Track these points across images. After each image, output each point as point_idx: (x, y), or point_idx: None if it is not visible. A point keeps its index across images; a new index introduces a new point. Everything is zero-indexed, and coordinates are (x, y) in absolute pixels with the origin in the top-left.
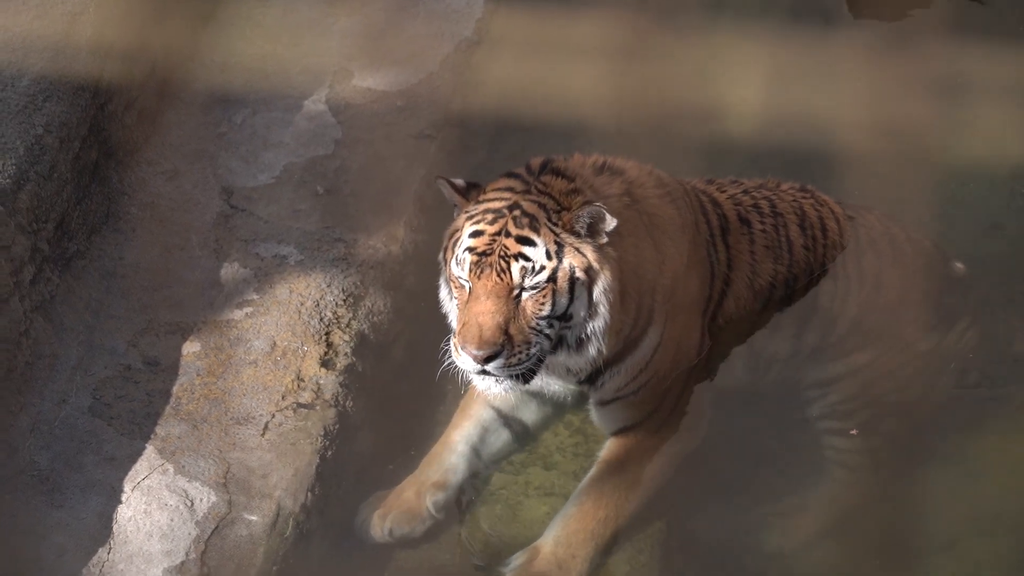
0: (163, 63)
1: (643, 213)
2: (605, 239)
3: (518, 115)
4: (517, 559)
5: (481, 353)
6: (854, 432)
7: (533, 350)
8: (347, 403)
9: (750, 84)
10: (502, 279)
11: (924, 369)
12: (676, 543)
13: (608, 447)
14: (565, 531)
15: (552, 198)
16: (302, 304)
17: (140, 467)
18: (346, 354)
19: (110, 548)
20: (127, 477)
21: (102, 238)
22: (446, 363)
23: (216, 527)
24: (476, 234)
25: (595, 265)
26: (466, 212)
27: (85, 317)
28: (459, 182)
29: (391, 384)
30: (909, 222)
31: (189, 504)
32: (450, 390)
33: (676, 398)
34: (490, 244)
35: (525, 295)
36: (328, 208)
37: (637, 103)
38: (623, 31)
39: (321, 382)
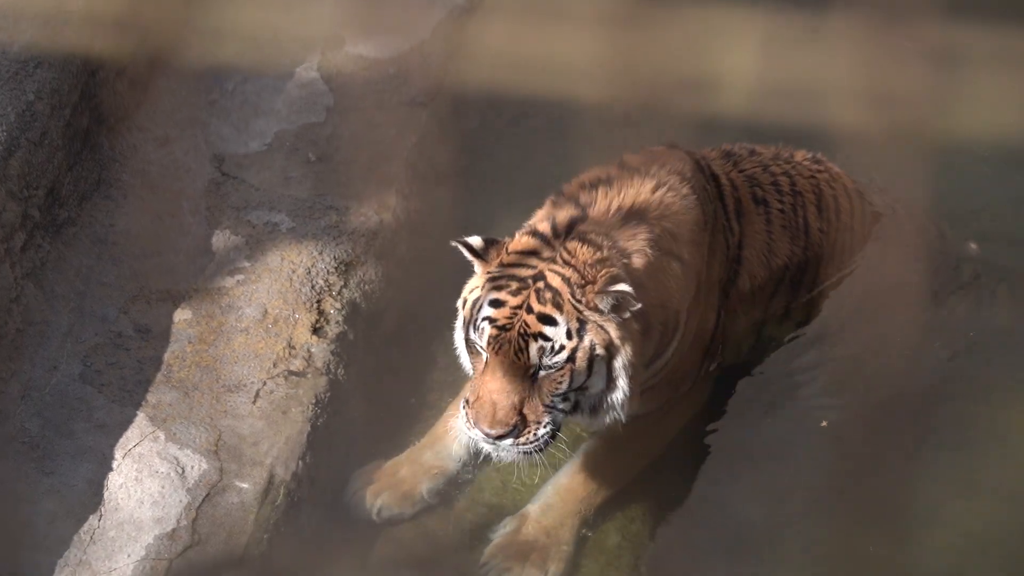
0: (155, 29)
1: (668, 239)
2: (628, 315)
3: (511, 83)
4: (505, 526)
5: (493, 432)
6: (824, 424)
7: (544, 430)
8: (338, 371)
9: (744, 55)
10: (519, 358)
11: (917, 343)
12: (667, 513)
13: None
14: (555, 499)
15: (577, 271)
16: (293, 272)
17: (131, 434)
18: (337, 322)
19: (101, 515)
20: (118, 444)
21: (93, 205)
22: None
23: (207, 494)
24: (497, 303)
25: (616, 342)
26: (488, 273)
27: (76, 284)
28: (475, 242)
29: (382, 352)
30: (902, 194)
31: (180, 471)
32: (441, 359)
33: (687, 385)
34: (511, 318)
35: (542, 373)
36: (320, 175)
37: (631, 72)
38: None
39: (312, 350)
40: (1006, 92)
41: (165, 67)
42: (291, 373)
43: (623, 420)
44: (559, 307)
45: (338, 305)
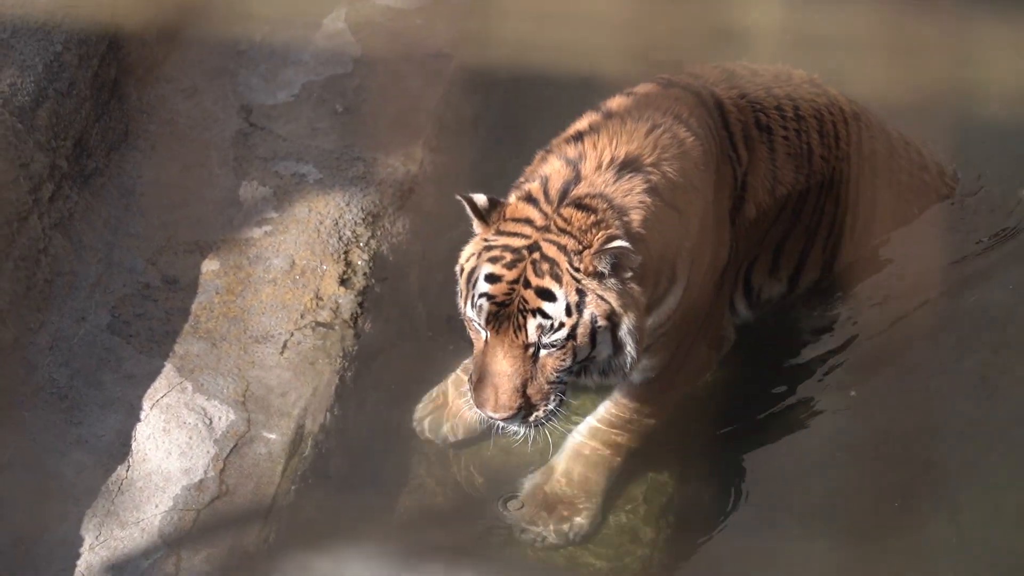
0: None
1: (666, 187)
2: (629, 274)
3: (537, 33)
4: (531, 479)
5: (497, 416)
6: (853, 393)
7: (551, 405)
8: (365, 323)
9: (769, 8)
10: (518, 336)
11: (931, 293)
12: (693, 469)
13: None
14: (582, 450)
15: (573, 237)
16: (321, 223)
17: (159, 385)
18: (365, 273)
19: (129, 466)
20: (146, 395)
21: (121, 156)
22: None
23: (235, 445)
24: (493, 278)
25: (619, 310)
26: (484, 240)
27: (104, 235)
28: (480, 200)
29: (409, 303)
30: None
31: (208, 422)
32: None
33: (703, 325)
34: (508, 294)
35: (544, 352)
36: (347, 126)
37: (657, 25)
38: None
39: (340, 301)
40: None
41: (193, 17)
42: (319, 324)
43: (629, 378)
44: (557, 279)
45: (365, 256)
